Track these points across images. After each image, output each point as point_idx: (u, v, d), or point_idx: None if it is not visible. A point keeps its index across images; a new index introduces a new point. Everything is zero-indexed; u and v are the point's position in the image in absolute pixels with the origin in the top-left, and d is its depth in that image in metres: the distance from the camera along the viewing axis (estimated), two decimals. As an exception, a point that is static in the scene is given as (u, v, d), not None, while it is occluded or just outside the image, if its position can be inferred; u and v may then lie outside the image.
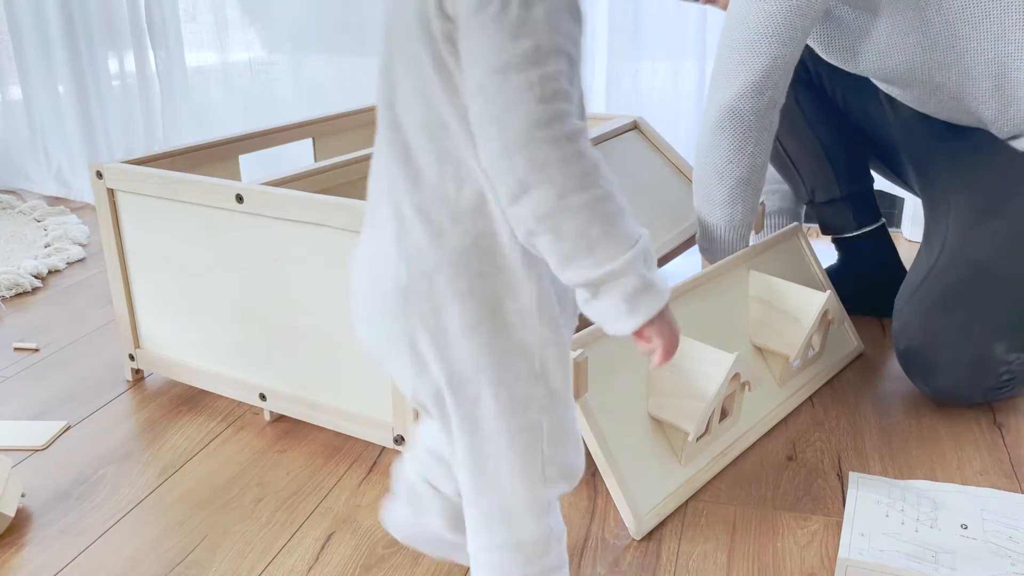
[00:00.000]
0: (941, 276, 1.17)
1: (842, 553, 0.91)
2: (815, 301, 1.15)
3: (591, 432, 0.94)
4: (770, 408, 1.17)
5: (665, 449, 1.02)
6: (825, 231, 1.52)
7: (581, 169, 0.56)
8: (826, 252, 1.55)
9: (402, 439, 1.07)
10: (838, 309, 1.32)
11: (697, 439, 1.01)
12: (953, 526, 0.96)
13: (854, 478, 1.04)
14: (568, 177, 0.56)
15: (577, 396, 0.92)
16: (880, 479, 1.05)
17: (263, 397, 1.18)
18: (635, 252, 0.58)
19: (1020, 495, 1.02)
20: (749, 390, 1.05)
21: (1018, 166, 1.18)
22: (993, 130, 1.20)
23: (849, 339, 1.36)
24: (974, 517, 0.97)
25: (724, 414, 1.06)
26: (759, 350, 1.20)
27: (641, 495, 0.97)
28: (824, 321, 1.20)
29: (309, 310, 1.09)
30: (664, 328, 0.62)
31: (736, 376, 1.00)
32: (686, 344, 1.01)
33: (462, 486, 0.70)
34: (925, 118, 1.28)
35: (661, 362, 0.63)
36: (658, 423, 1.02)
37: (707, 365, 0.98)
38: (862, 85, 1.35)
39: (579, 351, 0.91)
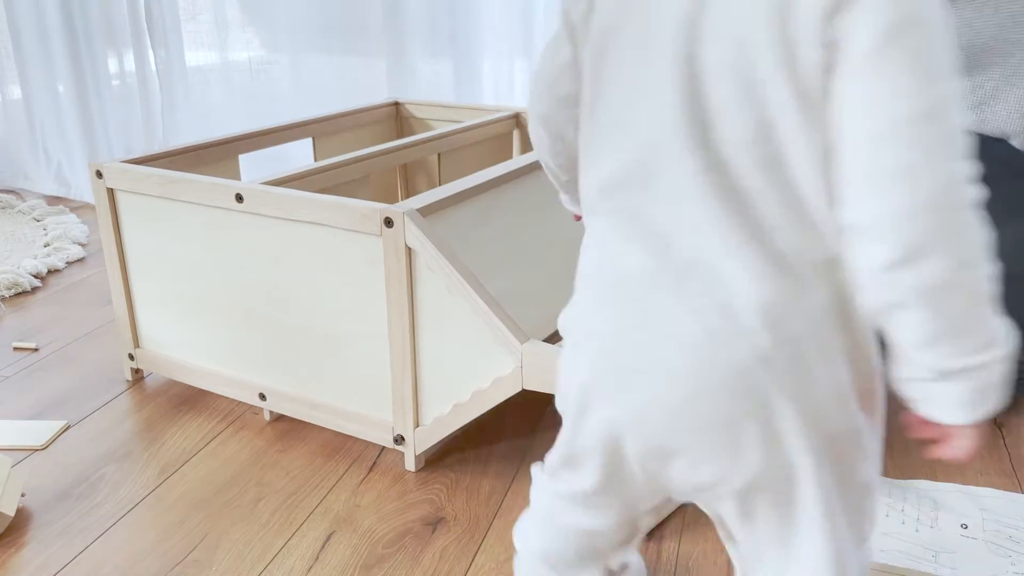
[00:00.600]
0: None
1: None
2: None
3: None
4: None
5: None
6: None
7: (981, 241, 0.49)
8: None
9: (402, 439, 1.07)
10: None
11: None
12: (953, 526, 0.96)
13: None
14: (970, 249, 0.48)
15: None
16: (880, 479, 1.04)
17: (263, 397, 1.18)
18: (1006, 348, 0.51)
19: (1020, 495, 1.02)
20: None
21: None
22: (1016, 143, 1.20)
23: None
24: (974, 517, 0.97)
25: None
26: None
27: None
28: None
29: (309, 309, 1.09)
30: (981, 430, 0.54)
31: None
32: None
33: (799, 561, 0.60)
34: None
35: (946, 456, 0.55)
36: None
37: None
38: None
39: None
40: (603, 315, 0.59)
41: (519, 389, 0.95)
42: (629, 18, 0.56)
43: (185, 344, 1.24)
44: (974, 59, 1.13)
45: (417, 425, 1.06)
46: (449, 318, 0.99)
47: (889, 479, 1.05)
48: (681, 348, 0.54)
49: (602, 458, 0.62)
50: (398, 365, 1.04)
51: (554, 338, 0.99)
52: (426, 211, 0.99)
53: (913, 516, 0.97)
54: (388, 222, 0.98)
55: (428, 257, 0.97)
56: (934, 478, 1.06)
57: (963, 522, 0.96)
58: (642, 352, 0.56)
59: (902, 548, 0.92)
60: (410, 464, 1.08)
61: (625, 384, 0.58)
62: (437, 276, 0.97)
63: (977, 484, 1.04)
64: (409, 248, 0.98)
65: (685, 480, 0.60)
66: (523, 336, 0.94)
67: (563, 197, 0.77)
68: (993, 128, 1.20)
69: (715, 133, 0.53)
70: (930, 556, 0.91)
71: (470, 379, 1.00)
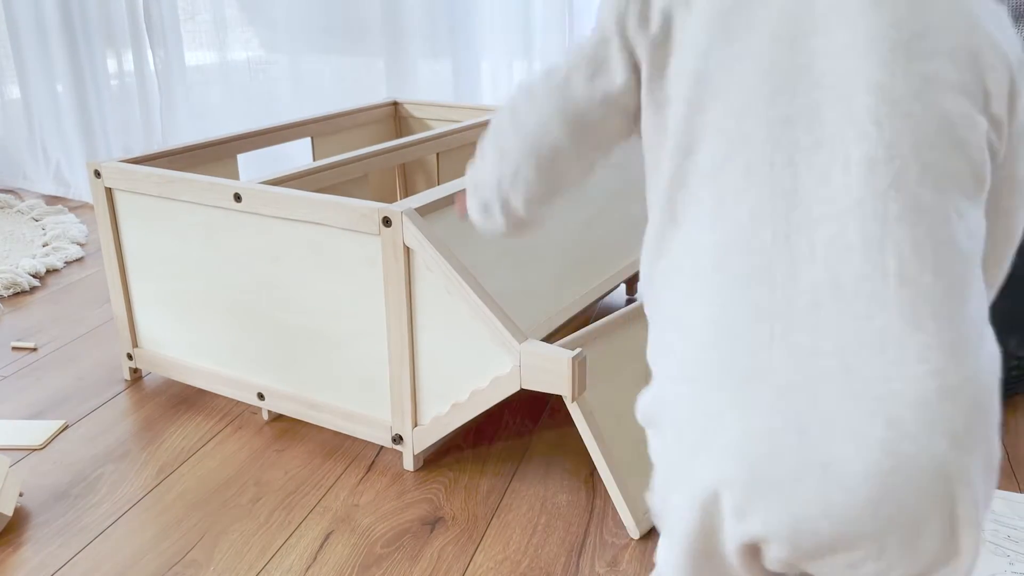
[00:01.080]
0: None
1: None
2: None
3: (589, 432, 0.94)
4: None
5: (664, 448, 1.02)
6: None
7: None
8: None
9: (400, 438, 1.07)
10: None
11: None
12: None
13: None
14: None
15: (576, 396, 0.92)
16: None
17: (261, 396, 1.17)
18: None
19: (1018, 495, 1.02)
20: None
21: None
22: None
23: None
24: None
25: None
26: None
27: (640, 494, 0.97)
28: None
29: (307, 309, 1.09)
30: None
31: None
32: None
33: None
34: None
35: None
36: None
37: None
38: None
39: (577, 350, 0.91)
40: (737, 411, 0.48)
41: (517, 389, 0.95)
42: (754, 31, 0.50)
43: (183, 344, 1.24)
44: None
45: (416, 425, 1.06)
46: (447, 317, 0.99)
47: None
48: (859, 449, 0.46)
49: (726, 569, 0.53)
50: (396, 364, 1.04)
51: (553, 337, 0.99)
52: (424, 210, 0.99)
53: None
54: (386, 221, 0.98)
55: (426, 256, 0.97)
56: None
57: None
58: (803, 457, 0.47)
59: None
60: (408, 464, 1.08)
61: (781, 494, 0.48)
62: (435, 275, 0.97)
63: (975, 483, 1.04)
64: (407, 247, 0.98)
65: (833, 572, 0.52)
66: (521, 336, 0.94)
67: (480, 216, 0.69)
68: None
69: (912, 175, 0.47)
70: None
71: (468, 378, 0.99)
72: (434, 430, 1.05)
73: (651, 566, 0.91)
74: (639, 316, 1.05)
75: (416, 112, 1.72)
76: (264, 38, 2.25)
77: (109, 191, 1.21)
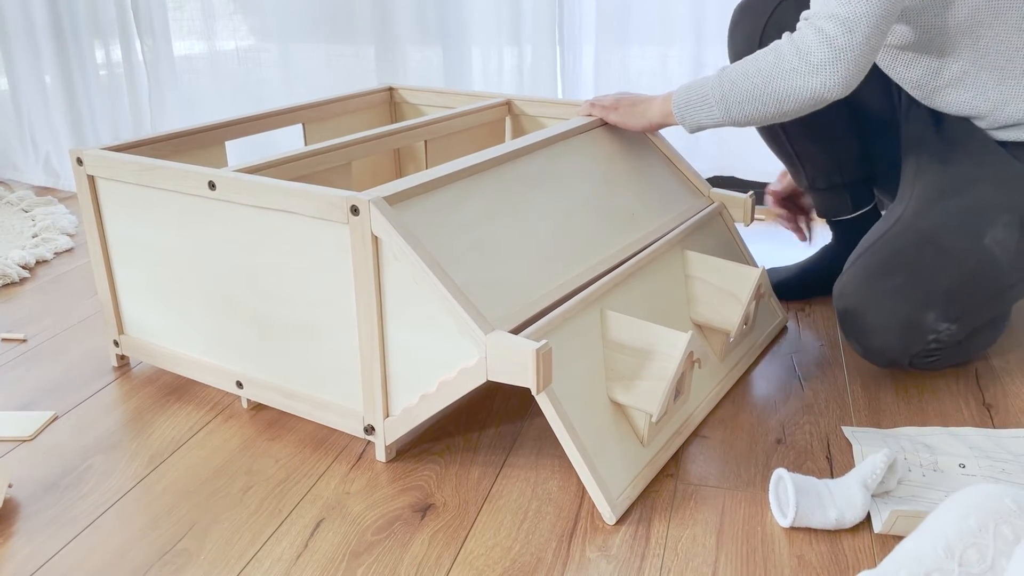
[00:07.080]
0: (889, 242, 1.19)
1: (892, 505, 0.93)
2: (751, 276, 1.19)
3: (560, 422, 0.93)
4: (714, 383, 1.20)
5: (627, 432, 1.02)
6: (821, 214, 1.52)
7: None
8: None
9: (372, 429, 1.06)
10: (766, 283, 1.34)
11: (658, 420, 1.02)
12: (953, 467, 1.01)
13: (849, 432, 1.10)
14: None
15: (541, 388, 0.91)
16: (871, 430, 1.10)
17: (240, 384, 1.17)
18: None
19: (993, 430, 1.09)
20: (699, 367, 1.06)
21: (991, 156, 1.18)
22: (981, 124, 1.20)
23: (775, 311, 1.41)
24: (967, 456, 1.03)
25: (677, 392, 1.06)
26: (699, 327, 1.22)
27: (611, 479, 0.96)
28: (757, 295, 1.23)
29: (281, 298, 1.08)
30: None
31: (690, 354, 1.01)
32: (640, 326, 1.01)
33: None
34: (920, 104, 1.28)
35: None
36: (617, 407, 1.02)
37: (662, 345, 0.99)
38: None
39: (542, 342, 0.90)
40: None
41: (484, 380, 0.94)
42: None
43: (166, 331, 1.23)
44: (944, 40, 1.14)
45: (387, 415, 1.05)
46: (416, 307, 0.98)
47: (879, 429, 1.11)
48: None
49: None
50: (367, 355, 1.03)
51: (522, 328, 0.98)
52: (395, 199, 0.98)
53: (916, 462, 1.01)
54: (354, 210, 0.97)
55: (393, 245, 0.95)
56: (924, 423, 1.12)
57: (960, 462, 1.01)
58: None
59: (916, 493, 0.96)
60: (380, 455, 1.07)
61: None
62: (403, 265, 0.96)
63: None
64: (375, 236, 0.96)
65: None
66: (488, 326, 0.93)
67: None
68: (958, 110, 1.20)
69: None
70: (943, 497, 0.95)
71: (437, 369, 0.98)
72: (404, 421, 1.03)
73: (641, 550, 0.91)
74: (598, 300, 1.06)
75: (411, 98, 1.71)
76: (253, 27, 2.24)
77: (91, 179, 1.20)
